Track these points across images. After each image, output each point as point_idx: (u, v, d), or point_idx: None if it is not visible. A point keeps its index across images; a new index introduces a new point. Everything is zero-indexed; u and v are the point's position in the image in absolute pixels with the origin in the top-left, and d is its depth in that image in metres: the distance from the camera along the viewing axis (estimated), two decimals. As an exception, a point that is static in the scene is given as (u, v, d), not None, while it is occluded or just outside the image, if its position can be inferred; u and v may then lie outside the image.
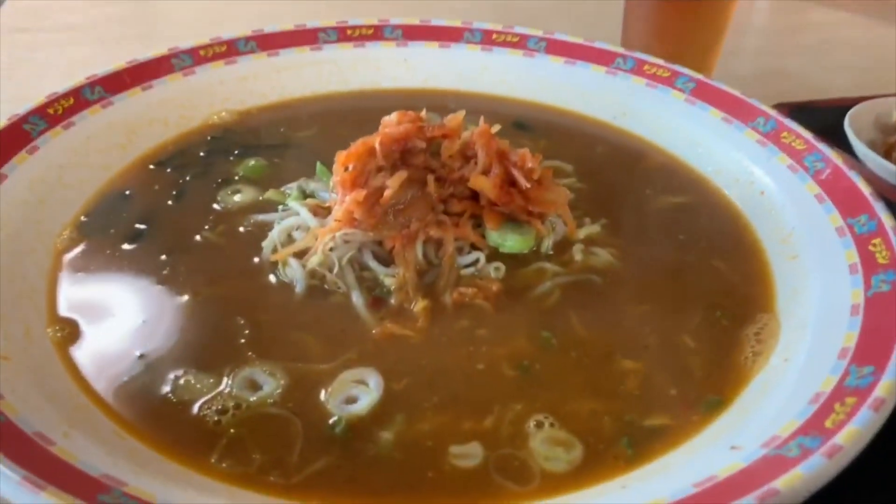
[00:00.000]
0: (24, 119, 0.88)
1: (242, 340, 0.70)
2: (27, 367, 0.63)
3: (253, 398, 0.64)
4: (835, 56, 1.78)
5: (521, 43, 1.18)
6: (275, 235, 0.81)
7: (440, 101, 1.15)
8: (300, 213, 0.83)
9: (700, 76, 1.06)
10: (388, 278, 0.77)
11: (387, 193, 0.78)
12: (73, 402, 0.62)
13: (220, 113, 1.06)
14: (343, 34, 1.18)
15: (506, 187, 0.81)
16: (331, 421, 0.63)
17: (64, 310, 0.73)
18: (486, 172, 0.81)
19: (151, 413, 0.63)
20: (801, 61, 1.82)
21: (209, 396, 0.64)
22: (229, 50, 1.10)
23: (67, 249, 0.80)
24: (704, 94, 1.04)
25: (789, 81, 1.70)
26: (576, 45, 1.15)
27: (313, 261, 0.77)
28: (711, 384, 0.68)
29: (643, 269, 0.82)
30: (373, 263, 0.79)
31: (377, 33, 1.19)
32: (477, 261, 0.79)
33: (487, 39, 1.19)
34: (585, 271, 0.81)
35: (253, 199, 0.90)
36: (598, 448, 0.62)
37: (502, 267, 0.79)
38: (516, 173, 0.81)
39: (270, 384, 0.66)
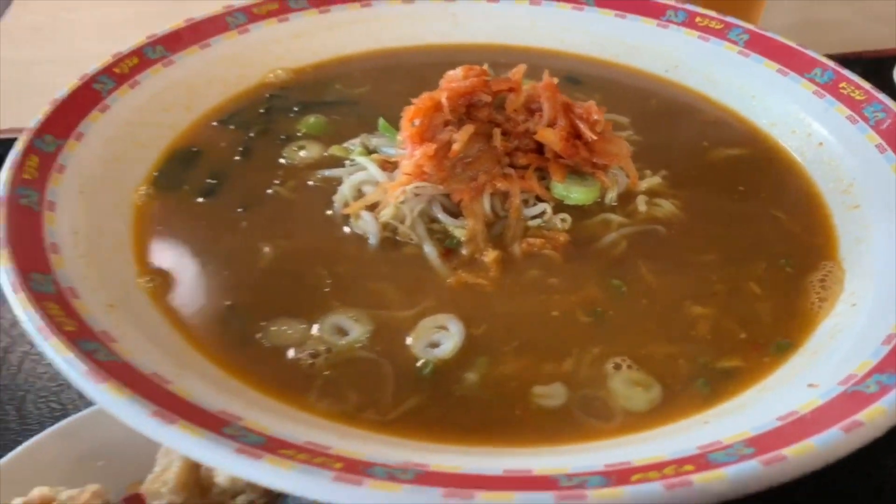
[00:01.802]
0: (94, 79, 0.90)
1: (326, 289, 0.73)
2: (131, 315, 0.66)
3: (342, 342, 0.67)
4: (874, 6, 1.75)
5: (570, -5, 1.18)
6: (345, 190, 0.83)
7: (489, 57, 1.15)
8: (368, 167, 0.85)
9: (754, 27, 1.06)
10: (458, 230, 0.79)
11: (455, 147, 0.80)
12: (175, 346, 0.65)
13: (276, 71, 1.08)
14: (392, -10, 1.18)
15: (571, 140, 0.82)
16: (418, 363, 0.66)
17: (151, 261, 0.76)
18: (551, 125, 0.83)
19: (247, 358, 0.66)
20: (841, 12, 1.79)
21: (301, 341, 0.67)
22: (281, 7, 1.11)
23: (146, 205, 0.83)
24: (759, 45, 1.04)
25: (830, 33, 1.67)
26: (625, -3, 1.15)
27: (386, 213, 0.79)
28: (780, 328, 0.70)
29: (706, 219, 0.84)
30: (442, 216, 0.81)
31: (425, -12, 1.19)
32: (543, 212, 0.81)
33: (536, -7, 1.19)
34: (650, 222, 0.83)
35: (318, 155, 0.92)
36: (676, 388, 0.65)
37: (568, 218, 0.81)
38: (582, 126, 0.82)
39: (357, 330, 0.69)
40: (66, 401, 0.85)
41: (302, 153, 0.92)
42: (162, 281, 0.73)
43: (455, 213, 0.81)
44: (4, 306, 0.79)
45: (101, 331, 0.60)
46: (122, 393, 0.52)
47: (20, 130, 1.27)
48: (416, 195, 0.81)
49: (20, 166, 0.75)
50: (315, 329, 0.69)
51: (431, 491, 0.47)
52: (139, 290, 0.71)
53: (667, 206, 0.84)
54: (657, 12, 1.12)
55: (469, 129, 0.81)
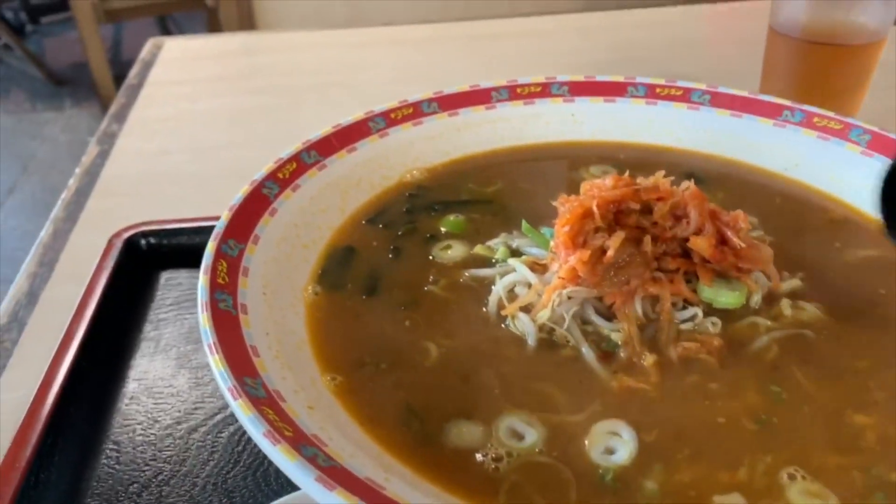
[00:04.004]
0: (262, 184, 0.99)
1: (495, 391, 0.77)
2: (328, 416, 0.71)
3: (521, 446, 0.71)
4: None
5: (684, 96, 1.23)
6: (499, 290, 0.89)
7: (608, 154, 1.22)
8: (519, 269, 0.90)
9: (875, 128, 1.09)
10: (615, 333, 0.83)
11: (609, 253, 0.84)
12: (369, 447, 0.69)
13: (412, 171, 1.15)
14: (513, 93, 1.26)
15: (719, 246, 0.86)
16: (600, 471, 0.69)
17: (330, 359, 0.81)
18: (698, 232, 0.87)
19: (434, 459, 0.70)
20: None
21: (481, 444, 0.71)
22: (416, 112, 1.20)
23: (315, 303, 0.89)
24: (883, 146, 1.07)
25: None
26: (740, 97, 1.20)
27: (543, 315, 0.84)
28: (952, 439, 0.71)
29: (852, 323, 0.86)
30: (595, 318, 0.85)
31: (545, 90, 1.27)
32: (695, 315, 0.85)
33: (651, 93, 1.25)
34: (797, 326, 0.85)
35: (464, 254, 0.98)
36: (854, 501, 0.66)
37: (718, 322, 0.84)
38: (729, 234, 0.86)
39: (532, 434, 0.72)
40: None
41: (449, 252, 0.98)
42: (343, 379, 0.78)
43: (606, 315, 0.86)
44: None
45: (313, 434, 0.65)
46: (352, 500, 0.56)
47: (165, 222, 1.37)
48: (570, 298, 0.85)
49: (214, 271, 0.82)
50: (493, 432, 0.73)
51: None
52: (325, 388, 0.77)
53: (811, 310, 0.87)
54: (774, 112, 1.17)
55: (620, 235, 0.86)
